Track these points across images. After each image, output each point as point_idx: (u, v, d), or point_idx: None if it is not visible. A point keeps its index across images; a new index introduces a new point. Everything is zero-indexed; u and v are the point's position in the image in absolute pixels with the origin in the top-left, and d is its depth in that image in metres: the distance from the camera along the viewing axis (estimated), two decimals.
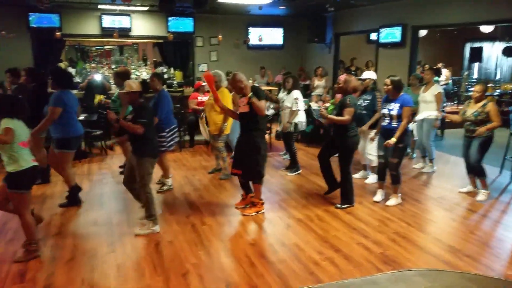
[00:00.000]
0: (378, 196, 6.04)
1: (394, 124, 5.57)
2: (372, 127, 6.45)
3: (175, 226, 5.11)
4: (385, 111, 5.68)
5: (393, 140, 5.46)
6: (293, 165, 7.42)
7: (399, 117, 5.52)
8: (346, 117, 5.41)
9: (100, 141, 8.74)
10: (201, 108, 8.69)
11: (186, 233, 4.95)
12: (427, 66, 13.64)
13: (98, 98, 7.22)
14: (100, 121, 8.64)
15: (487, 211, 5.75)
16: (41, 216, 4.97)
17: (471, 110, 5.92)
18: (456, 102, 14.51)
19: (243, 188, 5.72)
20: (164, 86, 7.30)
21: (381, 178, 6.02)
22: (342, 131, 5.54)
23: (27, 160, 4.17)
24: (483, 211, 5.72)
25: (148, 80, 6.04)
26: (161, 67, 12.85)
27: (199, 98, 8.93)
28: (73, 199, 5.80)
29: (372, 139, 6.32)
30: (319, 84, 11.45)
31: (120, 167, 7.42)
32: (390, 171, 5.78)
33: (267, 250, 4.54)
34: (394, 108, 5.56)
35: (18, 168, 4.09)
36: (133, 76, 10.69)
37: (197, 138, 9.59)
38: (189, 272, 4.06)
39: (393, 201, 5.88)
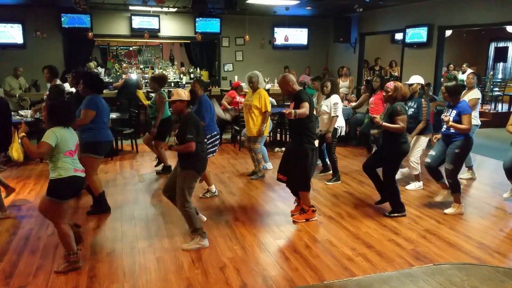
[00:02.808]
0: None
1: (452, 130, 5.38)
2: (420, 133, 6.34)
3: (209, 221, 5.25)
4: (442, 116, 5.49)
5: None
6: (333, 174, 7.02)
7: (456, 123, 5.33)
8: (402, 124, 5.19)
9: (131, 139, 8.96)
10: (230, 107, 8.81)
11: (220, 228, 5.10)
12: (452, 66, 13.68)
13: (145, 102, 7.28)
14: (131, 119, 8.88)
15: None
16: (82, 236, 4.75)
17: None
18: (481, 102, 14.39)
19: (294, 195, 5.54)
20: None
21: (435, 178, 5.88)
22: (393, 138, 5.31)
23: (68, 169, 4.02)
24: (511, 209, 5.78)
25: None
26: (183, 67, 13.09)
27: (237, 98, 8.84)
28: (102, 206, 5.64)
29: (436, 139, 5.89)
30: (343, 84, 11.50)
31: (157, 172, 7.45)
32: (447, 178, 5.60)
33: (300, 246, 4.66)
34: (450, 114, 5.39)
35: (57, 176, 3.97)
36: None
37: (224, 136, 9.79)
38: (226, 265, 4.21)
39: (451, 210, 5.61)
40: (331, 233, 4.97)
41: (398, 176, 6.63)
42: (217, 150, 6.28)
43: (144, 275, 4.03)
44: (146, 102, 7.17)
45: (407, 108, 6.14)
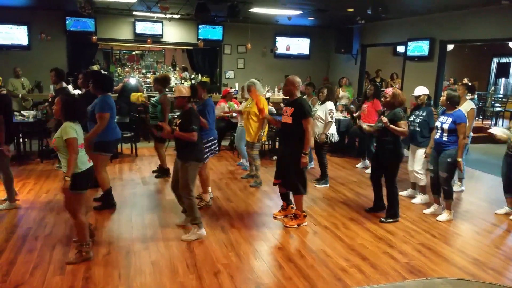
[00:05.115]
0: (430, 209, 6.08)
1: (445, 138, 5.61)
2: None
3: (205, 228, 5.25)
4: (438, 123, 5.75)
5: (459, 160, 5.57)
6: (322, 177, 7.36)
7: (450, 131, 5.56)
8: (405, 128, 5.45)
9: (130, 142, 9.00)
10: (228, 114, 8.85)
11: (216, 234, 5.13)
12: (451, 79, 13.74)
13: (138, 95, 7.38)
14: (131, 123, 8.92)
15: (511, 226, 5.82)
16: (94, 231, 4.90)
17: None
18: (481, 117, 14.46)
19: (283, 199, 5.73)
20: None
21: (434, 192, 6.03)
22: (389, 144, 5.52)
23: (85, 162, 4.26)
24: (507, 226, 5.80)
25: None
26: (186, 72, 13.17)
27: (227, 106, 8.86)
28: (108, 202, 5.87)
29: (427, 156, 6.15)
30: (344, 94, 11.54)
31: (154, 171, 7.64)
32: (441, 185, 5.80)
33: (295, 255, 4.69)
34: (446, 121, 5.61)
35: (77, 170, 4.13)
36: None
37: (223, 143, 9.83)
38: (220, 272, 4.24)
39: (444, 216, 5.84)
40: (326, 244, 4.99)
41: (417, 201, 6.60)
42: (213, 155, 6.26)
43: (138, 278, 4.06)
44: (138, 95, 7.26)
45: (413, 117, 6.36)
